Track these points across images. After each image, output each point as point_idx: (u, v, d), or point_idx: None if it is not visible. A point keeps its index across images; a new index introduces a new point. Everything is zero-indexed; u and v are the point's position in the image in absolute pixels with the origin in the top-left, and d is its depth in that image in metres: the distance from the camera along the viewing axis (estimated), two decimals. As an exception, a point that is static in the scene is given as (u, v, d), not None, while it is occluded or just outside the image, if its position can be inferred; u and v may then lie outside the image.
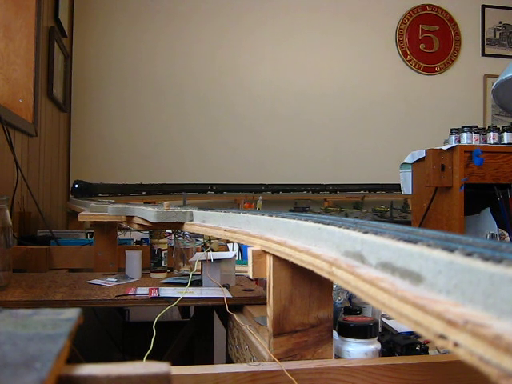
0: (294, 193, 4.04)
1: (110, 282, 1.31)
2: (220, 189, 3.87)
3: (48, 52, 2.98)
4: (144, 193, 3.59)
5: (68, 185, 3.64)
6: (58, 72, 3.19)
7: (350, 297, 1.10)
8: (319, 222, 0.62)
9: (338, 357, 0.79)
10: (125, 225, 1.53)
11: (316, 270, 0.57)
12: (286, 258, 0.67)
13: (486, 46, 4.62)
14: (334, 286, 0.96)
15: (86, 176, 3.36)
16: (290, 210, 3.74)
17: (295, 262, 0.64)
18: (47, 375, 0.29)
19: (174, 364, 0.50)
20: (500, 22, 4.66)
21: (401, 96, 4.44)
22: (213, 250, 1.33)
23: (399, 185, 2.54)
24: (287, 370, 0.70)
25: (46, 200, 2.87)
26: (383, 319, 1.12)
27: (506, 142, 2.21)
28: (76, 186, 3.00)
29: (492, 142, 2.22)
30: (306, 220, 0.66)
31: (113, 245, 1.58)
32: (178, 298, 1.11)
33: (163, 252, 1.42)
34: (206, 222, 1.09)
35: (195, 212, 1.16)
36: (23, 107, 2.40)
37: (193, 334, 1.62)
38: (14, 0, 2.40)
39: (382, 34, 4.46)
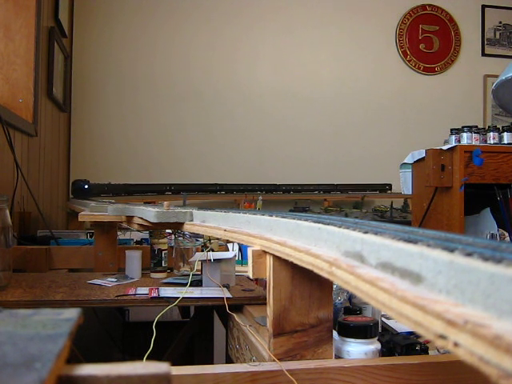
0: (294, 193, 4.03)
1: (110, 282, 1.31)
2: (220, 189, 3.87)
3: (48, 52, 2.98)
4: (109, 194, 3.48)
5: (68, 185, 3.64)
6: (58, 72, 3.19)
7: (350, 297, 1.10)
8: (319, 222, 0.62)
9: (338, 357, 0.79)
10: (125, 225, 1.53)
11: (316, 270, 0.57)
12: (286, 258, 0.67)
13: (486, 46, 4.62)
14: (334, 286, 0.96)
15: (86, 176, 3.35)
16: (290, 210, 3.74)
17: (295, 262, 0.64)
18: (47, 375, 0.29)
19: (174, 364, 0.50)
20: (500, 22, 4.66)
21: (401, 96, 4.44)
22: (213, 250, 1.33)
23: (399, 185, 2.54)
24: (287, 370, 0.70)
25: (46, 200, 2.87)
26: (383, 319, 1.12)
27: (506, 142, 2.21)
28: (86, 186, 2.96)
29: (492, 142, 2.22)
30: (306, 220, 0.66)
31: (113, 245, 1.58)
32: (178, 298, 1.11)
33: (163, 252, 1.42)
34: (206, 222, 1.09)
35: (195, 212, 1.16)
36: (23, 107, 2.40)
37: (193, 334, 1.62)
38: (14, 0, 2.40)
39: (381, 34, 4.46)
